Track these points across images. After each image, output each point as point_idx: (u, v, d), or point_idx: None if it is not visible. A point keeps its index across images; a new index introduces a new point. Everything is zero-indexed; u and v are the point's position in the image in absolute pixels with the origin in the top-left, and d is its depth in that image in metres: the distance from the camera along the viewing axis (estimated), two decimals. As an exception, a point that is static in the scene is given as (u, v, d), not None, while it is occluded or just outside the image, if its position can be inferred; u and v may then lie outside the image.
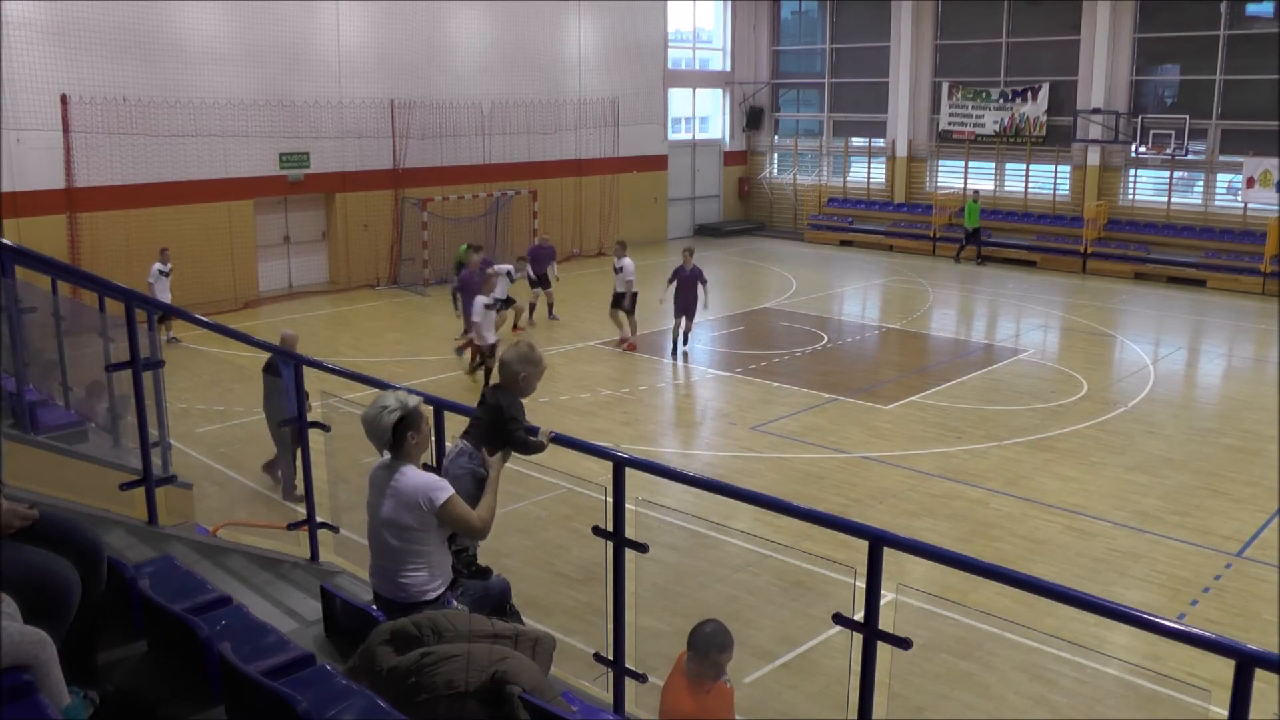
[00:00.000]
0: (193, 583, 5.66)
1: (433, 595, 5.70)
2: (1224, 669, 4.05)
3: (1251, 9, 30.05)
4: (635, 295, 21.60)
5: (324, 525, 8.05)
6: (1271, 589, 11.60)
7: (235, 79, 24.70)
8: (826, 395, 18.48)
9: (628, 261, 21.54)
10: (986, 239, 33.03)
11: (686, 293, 20.84)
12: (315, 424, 7.93)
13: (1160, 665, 8.72)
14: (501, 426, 6.45)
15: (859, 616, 5.03)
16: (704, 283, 20.91)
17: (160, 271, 21.14)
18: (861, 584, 5.01)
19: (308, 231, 27.73)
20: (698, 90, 38.73)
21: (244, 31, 24.87)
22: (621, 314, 21.54)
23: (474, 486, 6.27)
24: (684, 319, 20.97)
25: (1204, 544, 12.56)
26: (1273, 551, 12.44)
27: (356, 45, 27.18)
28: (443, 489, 5.63)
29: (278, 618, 6.30)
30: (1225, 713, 4.02)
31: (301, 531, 8.10)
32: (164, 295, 20.61)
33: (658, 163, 36.28)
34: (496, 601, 6.53)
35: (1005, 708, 9.13)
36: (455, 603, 5.87)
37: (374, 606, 5.88)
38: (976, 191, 33.25)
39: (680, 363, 20.78)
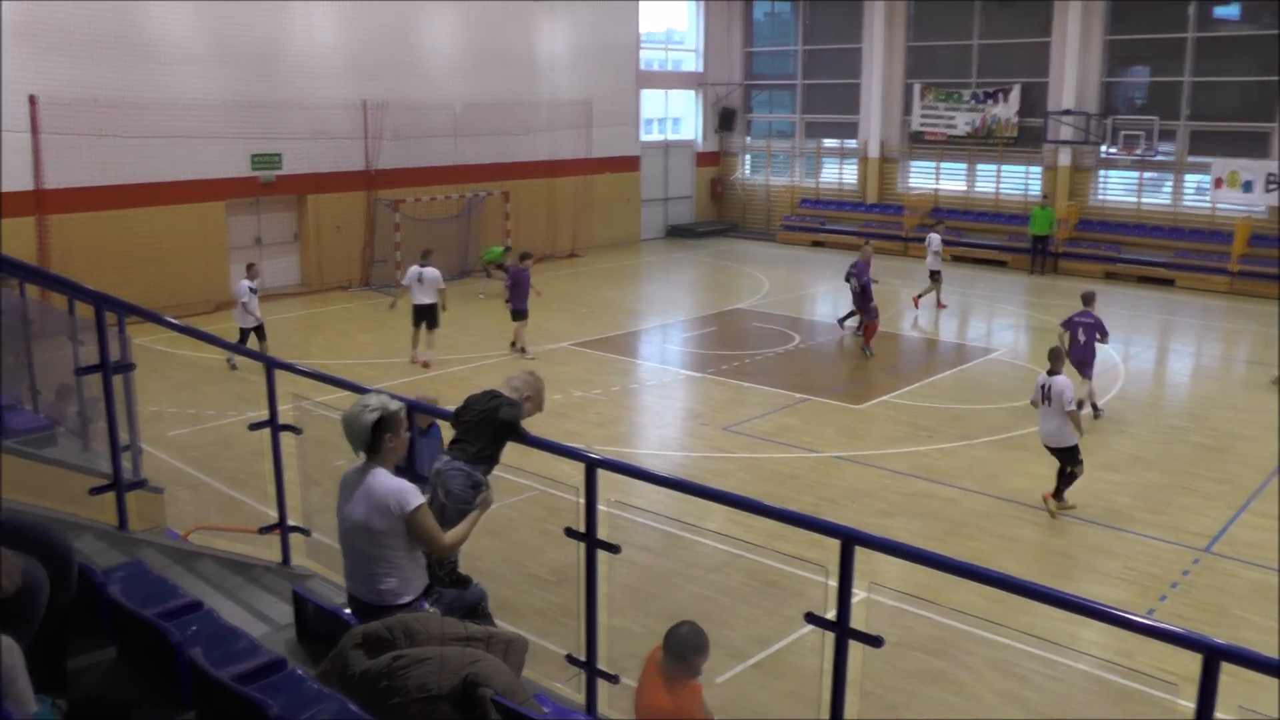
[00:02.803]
0: (163, 588, 5.64)
1: (407, 599, 5.67)
2: (1192, 663, 4.11)
3: (1219, 11, 30.37)
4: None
5: (295, 529, 8.04)
6: (1239, 583, 11.74)
7: (207, 79, 24.59)
8: (799, 395, 18.52)
9: (430, 271, 20.30)
10: (958, 239, 33.15)
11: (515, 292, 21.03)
12: (287, 427, 7.91)
13: (1131, 660, 8.79)
14: (498, 424, 6.46)
15: (831, 615, 5.06)
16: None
17: (251, 289, 19.95)
18: (833, 583, 5.04)
19: (280, 233, 27.61)
20: (670, 91, 38.78)
21: (215, 32, 24.76)
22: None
23: (467, 487, 6.26)
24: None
25: (1174, 540, 12.66)
26: (1240, 547, 12.58)
27: (328, 46, 27.10)
28: (414, 495, 5.58)
29: (249, 622, 6.29)
30: (1193, 706, 4.08)
31: (273, 535, 8.08)
32: (256, 312, 19.89)
33: (630, 164, 36.28)
34: (471, 607, 6.53)
35: (978, 705, 9.18)
36: (428, 607, 5.87)
37: (346, 610, 5.87)
38: (1045, 196, 32.56)
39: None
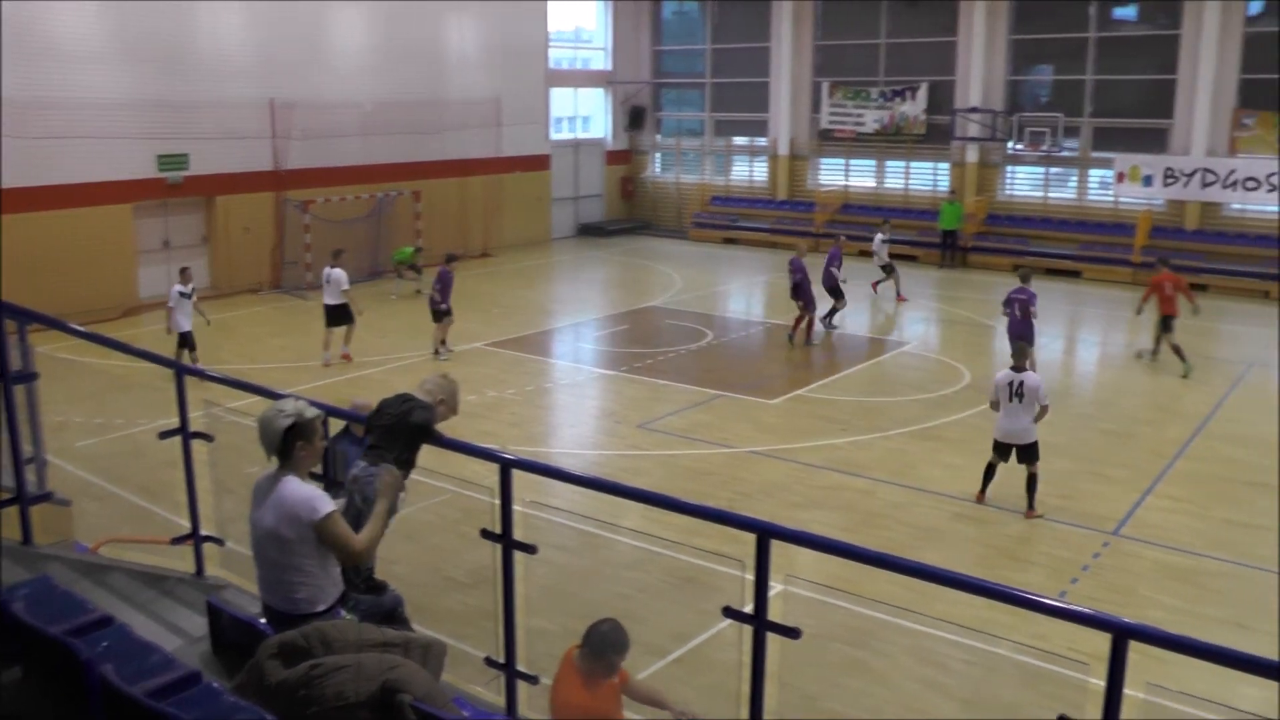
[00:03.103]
0: (71, 603, 5.53)
1: (322, 608, 5.60)
2: (1102, 643, 4.23)
3: (1118, 12, 31.18)
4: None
5: (209, 538, 7.93)
6: (1145, 565, 12.06)
7: (111, 78, 24.13)
8: (712, 391, 18.62)
9: (336, 272, 20.42)
10: (869, 235, 33.46)
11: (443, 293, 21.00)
12: (198, 434, 7.80)
13: (1044, 642, 8.94)
14: (411, 427, 6.42)
15: (749, 609, 5.10)
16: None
17: (181, 294, 19.17)
18: (750, 577, 5.09)
19: (188, 235, 27.16)
20: (580, 90, 38.78)
21: (120, 30, 24.31)
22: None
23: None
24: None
25: (1083, 524, 12.93)
26: (1146, 529, 12.92)
27: (235, 44, 26.71)
28: (323, 503, 5.48)
29: (163, 636, 6.19)
30: (1103, 684, 4.19)
31: (186, 546, 7.97)
32: (185, 320, 19.11)
33: (540, 163, 36.22)
34: (387, 613, 6.50)
35: (897, 693, 9.32)
36: (344, 614, 5.82)
37: (262, 620, 5.80)
38: (953, 191, 33.13)
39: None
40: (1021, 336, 18.01)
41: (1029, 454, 13.32)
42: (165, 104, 25.19)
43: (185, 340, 18.94)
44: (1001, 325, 20.14)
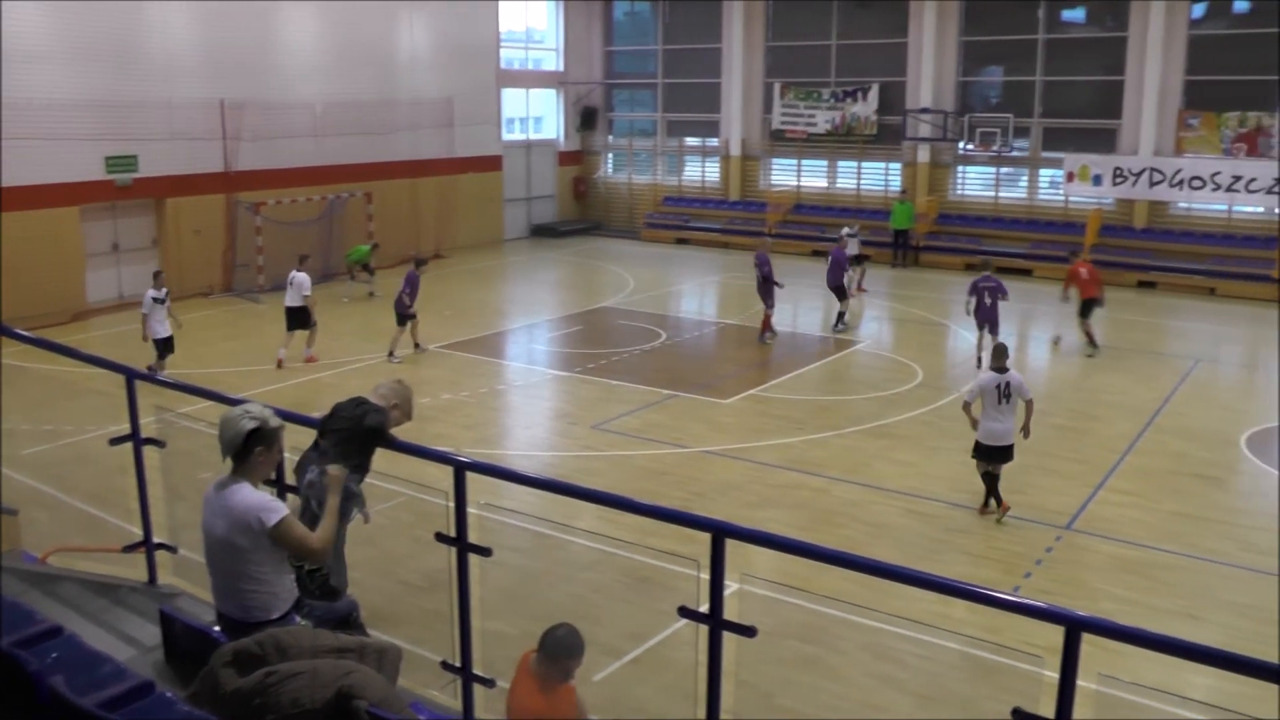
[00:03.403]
0: (19, 614, 5.44)
1: (276, 615, 5.57)
2: (1056, 635, 4.27)
3: (1067, 14, 31.59)
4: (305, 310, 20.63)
5: (161, 546, 7.85)
6: (1097, 558, 12.19)
7: (58, 79, 23.78)
8: (666, 392, 18.64)
9: (300, 276, 20.59)
10: (821, 235, 33.76)
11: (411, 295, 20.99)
12: (149, 440, 7.73)
13: (998, 636, 9.02)
14: (364, 431, 6.40)
15: (705, 608, 5.11)
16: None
17: (155, 299, 18.61)
18: (706, 576, 5.10)
19: (138, 238, 26.85)
20: (531, 90, 38.71)
21: (66, 29, 24.01)
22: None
23: (342, 499, 6.19)
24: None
25: (1036, 519, 13.04)
26: (1098, 523, 13.07)
27: (184, 44, 26.48)
28: (275, 510, 5.45)
29: (114, 646, 6.13)
30: (1056, 676, 4.25)
31: (138, 554, 7.89)
32: (160, 326, 18.70)
33: (493, 163, 36.15)
34: (342, 619, 6.47)
35: (852, 688, 9.36)
36: (299, 620, 5.79)
37: (216, 628, 5.75)
38: (904, 191, 33.40)
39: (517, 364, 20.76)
40: (991, 322, 19.23)
41: (1008, 455, 13.20)
42: (113, 105, 24.89)
43: (167, 346, 18.70)
44: (960, 317, 20.48)
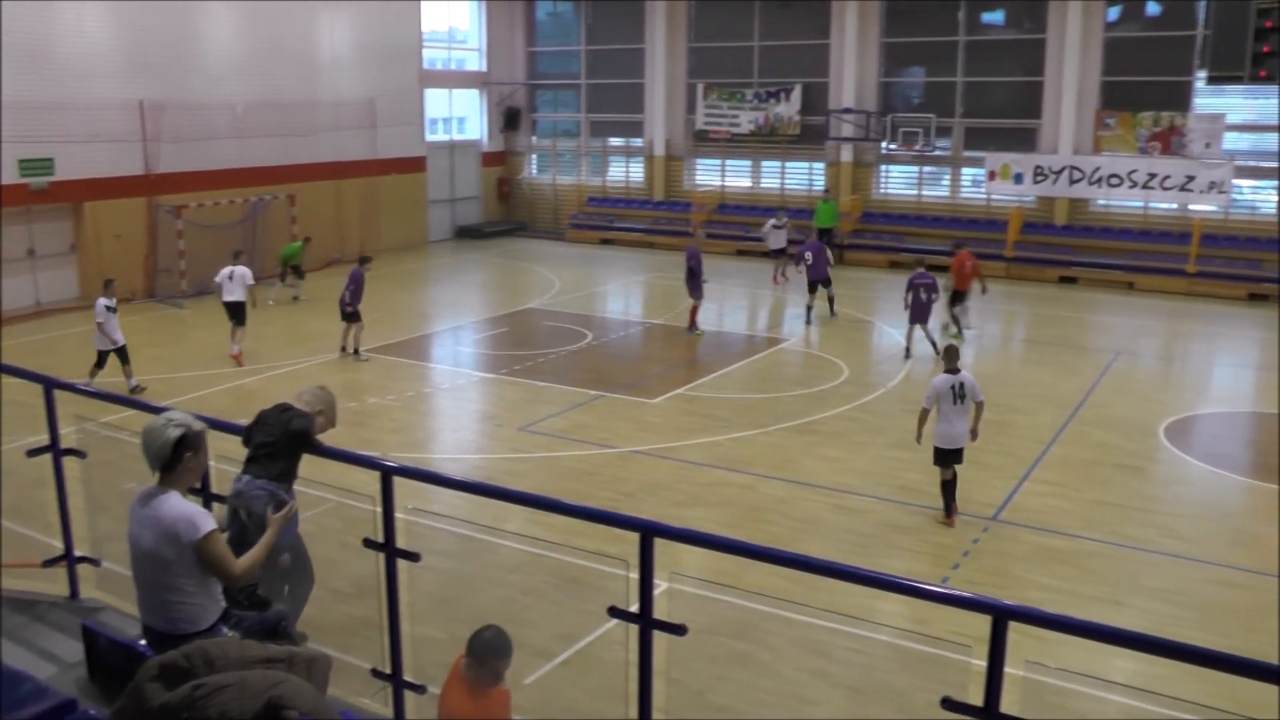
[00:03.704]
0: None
1: (204, 627, 5.51)
2: (984, 625, 4.33)
3: (986, 17, 32.06)
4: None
5: (84, 559, 7.72)
6: (1023, 548, 12.37)
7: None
8: (593, 392, 18.64)
9: (241, 269, 21.08)
10: (745, 234, 33.97)
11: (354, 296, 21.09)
12: (70, 451, 7.60)
13: (927, 627, 9.11)
14: (290, 436, 6.34)
15: (634, 608, 5.12)
16: None
17: (108, 307, 18.30)
18: (635, 575, 5.10)
19: (55, 244, 26.27)
20: (454, 91, 38.53)
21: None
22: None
23: (271, 506, 6.12)
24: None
25: (963, 511, 13.15)
26: (1023, 514, 13.27)
27: (100, 43, 26.01)
28: (204, 521, 5.40)
29: (35, 663, 6.01)
30: (984, 664, 4.30)
31: (59, 568, 7.75)
32: (118, 334, 18.35)
33: (416, 164, 35.94)
34: (271, 629, 6.40)
35: (784, 683, 9.41)
36: (227, 631, 5.72)
37: (141, 641, 5.66)
38: (828, 190, 33.57)
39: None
40: (923, 318, 20.17)
41: (960, 457, 13.05)
42: (26, 105, 24.29)
43: (120, 354, 18.31)
44: (884, 313, 20.68)
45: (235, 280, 20.72)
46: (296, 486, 6.73)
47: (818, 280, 24.11)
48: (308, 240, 27.93)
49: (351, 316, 20.81)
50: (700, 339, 22.63)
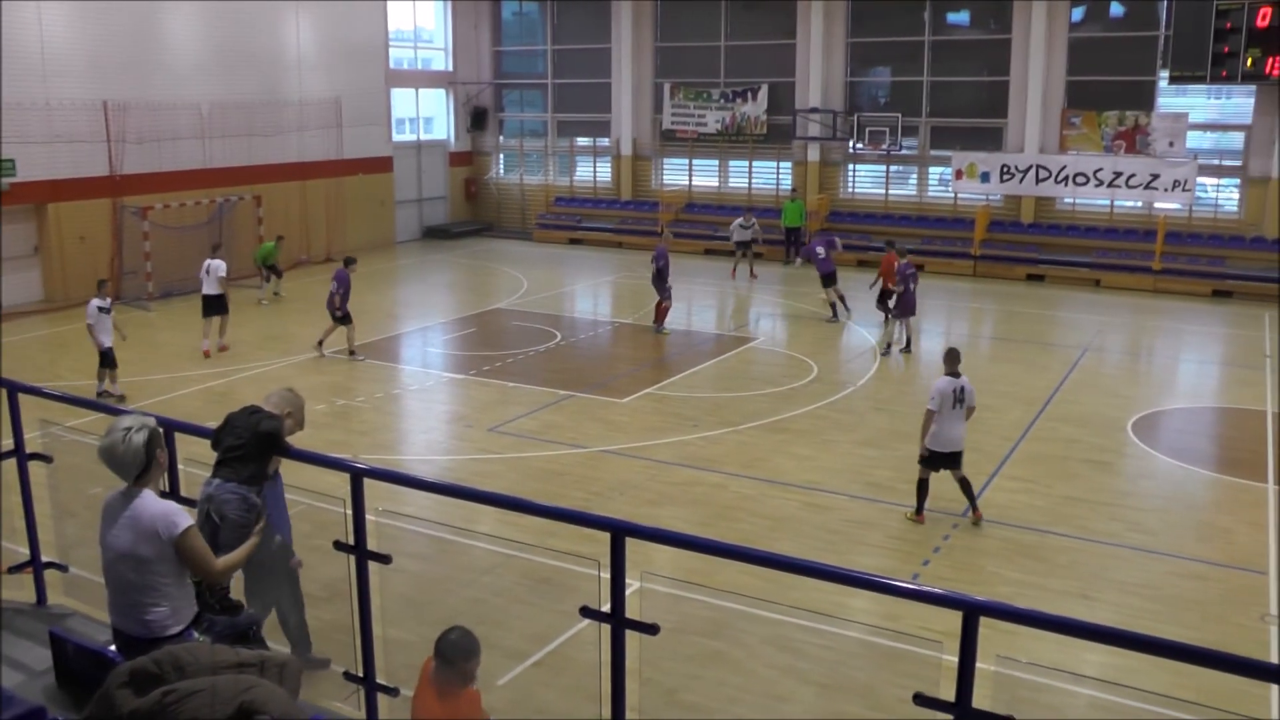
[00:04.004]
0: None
1: (176, 630, 5.50)
2: (954, 620, 4.35)
3: (952, 18, 32.24)
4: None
5: (51, 565, 7.66)
6: (993, 543, 12.44)
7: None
8: (563, 392, 18.62)
9: (216, 262, 21.23)
10: (713, 233, 34.05)
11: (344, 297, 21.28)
12: (35, 455, 7.53)
13: (897, 623, 9.15)
14: (259, 438, 6.31)
15: (606, 608, 5.12)
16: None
17: (100, 309, 18.11)
18: (606, 575, 5.10)
19: (18, 246, 25.90)
20: (421, 90, 38.40)
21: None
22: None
23: (244, 510, 6.10)
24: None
25: (932, 508, 13.20)
26: (992, 509, 13.31)
27: (62, 43, 25.71)
28: (182, 518, 5.43)
29: (1, 671, 5.96)
30: (955, 659, 4.32)
31: (25, 574, 7.68)
32: (106, 337, 18.07)
33: (383, 164, 35.78)
34: (242, 633, 6.37)
35: (755, 680, 9.42)
36: (197, 636, 5.69)
37: (111, 648, 5.63)
38: (795, 189, 33.72)
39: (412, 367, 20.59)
40: (912, 305, 21.12)
41: (959, 460, 13.03)
42: (-14, 106, 24.03)
43: (106, 358, 18.10)
44: (864, 310, 20.85)
45: (211, 274, 20.92)
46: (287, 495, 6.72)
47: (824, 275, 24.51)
48: (280, 239, 27.79)
49: (343, 319, 20.78)
50: (667, 338, 22.65)
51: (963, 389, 12.87)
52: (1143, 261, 28.67)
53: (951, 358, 13.18)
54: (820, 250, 24.50)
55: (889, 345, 21.48)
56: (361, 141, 34.20)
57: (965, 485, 13.05)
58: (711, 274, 30.49)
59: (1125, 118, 29.37)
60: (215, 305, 20.95)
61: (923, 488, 13.05)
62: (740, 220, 29.58)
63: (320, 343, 21.13)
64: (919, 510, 13.06)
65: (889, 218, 32.98)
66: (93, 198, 26.71)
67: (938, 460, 12.96)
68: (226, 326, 21.10)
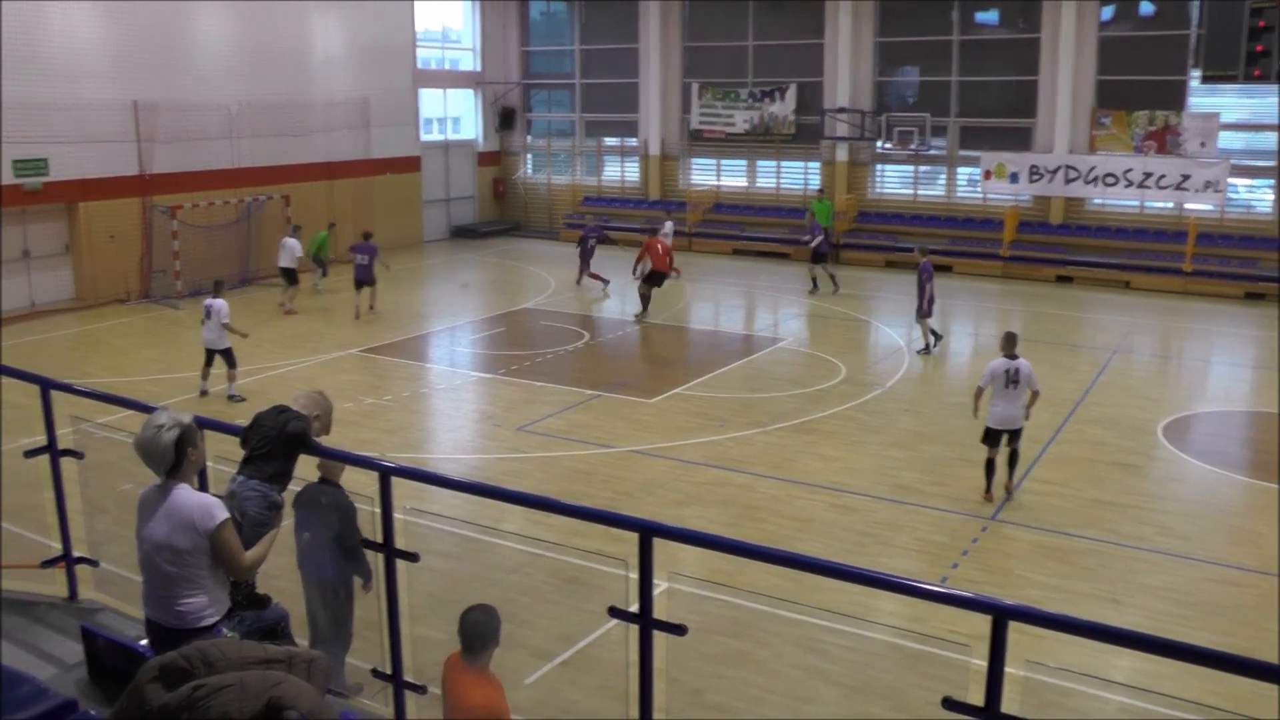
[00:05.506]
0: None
1: (208, 621, 5.56)
2: (982, 623, 4.31)
3: (980, 16, 32.03)
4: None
5: (82, 560, 7.70)
6: (1021, 546, 12.37)
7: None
8: (590, 392, 18.63)
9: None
10: (740, 234, 34.04)
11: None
12: (67, 452, 7.57)
13: (924, 626, 9.12)
14: (287, 438, 6.33)
15: (634, 608, 5.11)
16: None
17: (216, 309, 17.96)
18: (634, 575, 5.09)
19: (49, 244, 26.17)
20: (449, 91, 38.49)
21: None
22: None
23: (264, 508, 6.12)
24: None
25: (960, 510, 13.20)
26: (1021, 512, 13.23)
27: (91, 43, 25.90)
28: (219, 511, 5.51)
29: (34, 665, 5.99)
30: (985, 664, 4.28)
31: (58, 569, 7.73)
32: (210, 333, 17.95)
33: (411, 164, 35.86)
34: (270, 628, 6.39)
35: (781, 681, 9.41)
36: (226, 631, 5.72)
37: (141, 642, 5.67)
38: (822, 190, 33.56)
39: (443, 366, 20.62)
40: (933, 301, 21.22)
41: (1017, 437, 13.68)
42: (19, 106, 24.14)
43: (217, 356, 18.02)
44: (880, 313, 20.67)
45: (286, 249, 25.09)
46: (294, 488, 6.72)
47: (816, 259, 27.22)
48: (332, 226, 28.00)
49: (367, 282, 24.17)
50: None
51: (1017, 370, 13.43)
52: (1173, 263, 28.46)
53: (1009, 341, 13.70)
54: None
55: (926, 345, 21.37)
56: (389, 141, 34.29)
57: (1014, 459, 13.74)
58: (740, 274, 30.45)
59: (1156, 117, 29.16)
60: (291, 276, 24.53)
61: (990, 466, 13.63)
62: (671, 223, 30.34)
63: (371, 307, 24.29)
64: (987, 489, 13.65)
65: (917, 218, 32.84)
66: (122, 197, 26.89)
67: (996, 437, 13.57)
68: (296, 293, 24.92)
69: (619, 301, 26.55)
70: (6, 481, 13.28)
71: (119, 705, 4.69)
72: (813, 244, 27.50)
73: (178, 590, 5.50)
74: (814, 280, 27.54)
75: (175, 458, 5.45)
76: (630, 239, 35.01)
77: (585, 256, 28.27)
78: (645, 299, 24.31)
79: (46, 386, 7.47)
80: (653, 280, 24.04)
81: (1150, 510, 13.55)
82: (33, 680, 4.92)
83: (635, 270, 24.55)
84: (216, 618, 5.60)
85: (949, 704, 4.37)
